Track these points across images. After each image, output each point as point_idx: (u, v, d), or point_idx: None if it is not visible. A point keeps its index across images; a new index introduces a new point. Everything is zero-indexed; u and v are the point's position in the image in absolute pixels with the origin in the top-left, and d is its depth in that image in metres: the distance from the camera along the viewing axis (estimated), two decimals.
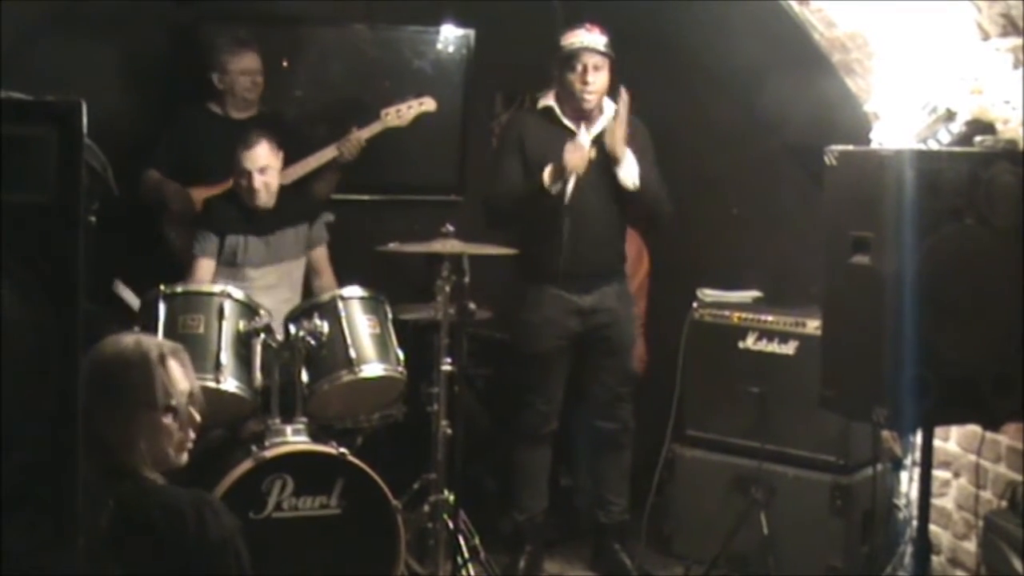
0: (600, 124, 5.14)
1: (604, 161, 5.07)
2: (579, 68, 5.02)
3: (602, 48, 5.02)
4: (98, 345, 2.91)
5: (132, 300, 4.81)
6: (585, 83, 5.02)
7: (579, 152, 4.92)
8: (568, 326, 5.16)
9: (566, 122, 5.10)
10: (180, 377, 2.94)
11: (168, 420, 2.89)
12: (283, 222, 5.17)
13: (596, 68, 5.02)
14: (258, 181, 5.01)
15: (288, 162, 5.32)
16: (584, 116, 5.08)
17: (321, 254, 5.32)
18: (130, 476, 2.84)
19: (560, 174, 4.93)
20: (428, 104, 5.64)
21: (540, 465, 5.32)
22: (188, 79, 5.77)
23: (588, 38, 5.03)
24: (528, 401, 5.23)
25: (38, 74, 5.10)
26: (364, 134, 5.51)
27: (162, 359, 2.90)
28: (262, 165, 5.02)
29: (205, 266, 5.03)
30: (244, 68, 5.50)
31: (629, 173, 5.07)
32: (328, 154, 5.49)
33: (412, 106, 5.60)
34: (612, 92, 5.08)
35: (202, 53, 5.73)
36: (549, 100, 5.18)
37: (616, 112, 5.01)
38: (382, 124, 5.54)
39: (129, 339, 2.96)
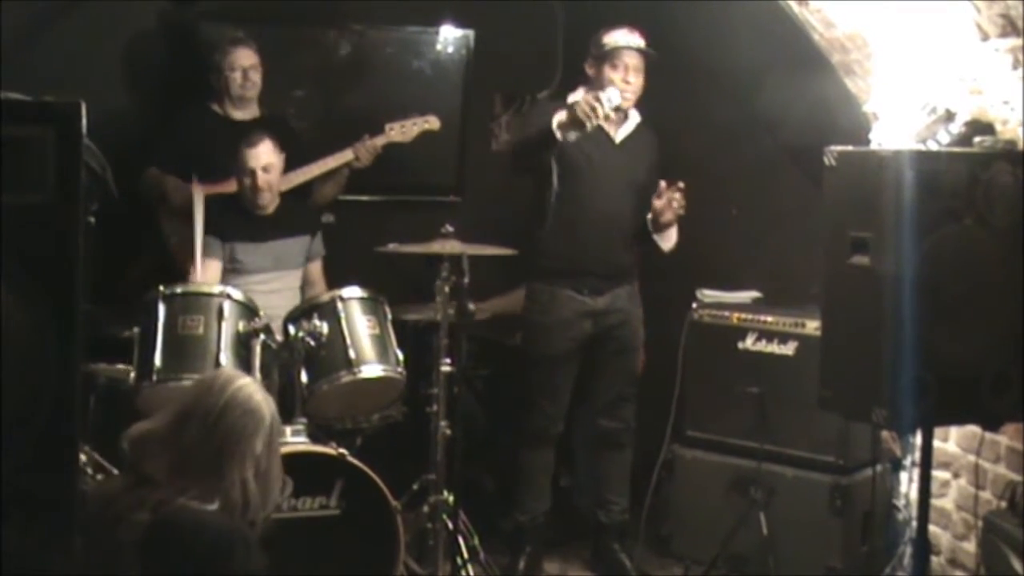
0: (628, 127, 5.21)
1: (623, 164, 5.10)
2: (621, 67, 5.05)
3: (644, 48, 5.07)
4: (246, 383, 3.12)
5: None
6: (627, 83, 5.05)
7: (601, 99, 4.83)
8: (581, 328, 5.16)
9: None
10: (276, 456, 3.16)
11: (234, 473, 3.00)
12: (285, 231, 5.17)
13: (637, 70, 5.08)
14: (262, 180, 5.03)
15: (292, 167, 5.32)
16: (615, 115, 5.11)
17: (317, 267, 5.34)
18: (177, 491, 2.91)
19: (572, 122, 4.81)
20: (432, 123, 5.65)
21: (544, 466, 5.32)
22: (187, 79, 5.77)
23: (631, 38, 5.07)
24: (536, 403, 5.22)
25: (36, 74, 5.10)
26: (379, 141, 5.52)
27: (275, 431, 3.15)
28: (265, 163, 5.03)
29: (213, 267, 5.03)
30: (234, 64, 5.48)
31: (668, 241, 5.23)
32: (343, 157, 5.50)
33: (417, 123, 5.62)
34: (642, 97, 5.15)
35: (201, 52, 5.73)
36: (580, 95, 5.18)
37: (681, 192, 5.06)
38: (386, 138, 5.55)
39: (266, 404, 3.13)
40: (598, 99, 4.79)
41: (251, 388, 3.11)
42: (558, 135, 4.84)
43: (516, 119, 5.15)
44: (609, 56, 5.06)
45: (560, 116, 4.85)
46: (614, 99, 4.83)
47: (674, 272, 5.62)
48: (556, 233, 5.11)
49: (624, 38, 5.07)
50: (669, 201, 5.06)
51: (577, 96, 5.15)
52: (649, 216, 5.15)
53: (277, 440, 3.15)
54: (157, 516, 2.84)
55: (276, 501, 3.21)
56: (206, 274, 4.98)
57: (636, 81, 5.08)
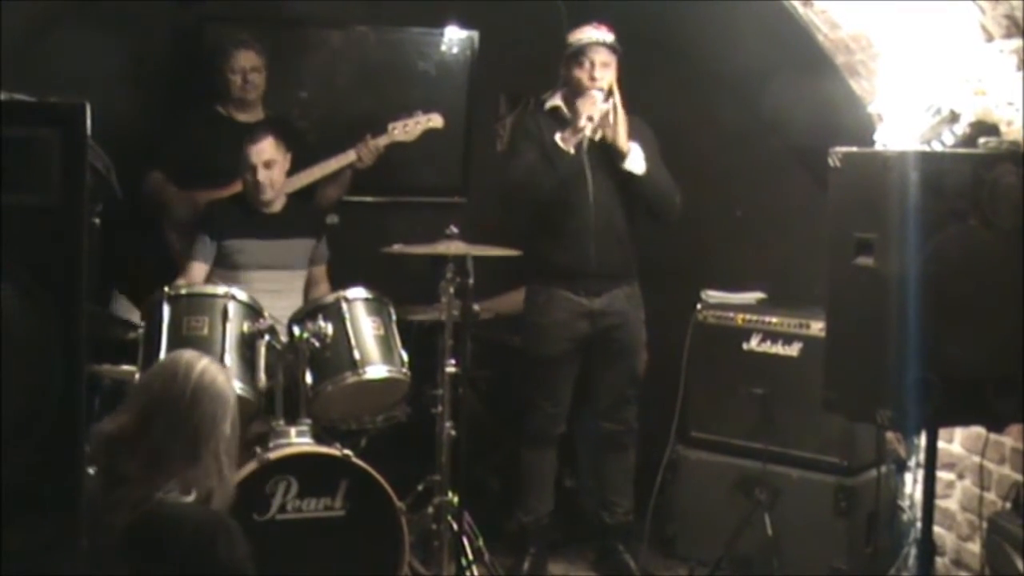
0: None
1: (608, 161, 5.07)
2: (587, 64, 5.01)
3: (610, 42, 5.02)
4: (206, 365, 3.09)
5: (131, 314, 4.81)
6: (593, 79, 5.00)
7: (591, 99, 4.91)
8: (577, 329, 5.15)
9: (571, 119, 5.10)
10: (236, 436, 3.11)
11: (210, 459, 2.99)
12: (290, 231, 5.17)
13: (604, 65, 5.01)
14: (263, 175, 5.01)
15: (296, 169, 5.32)
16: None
17: (321, 270, 5.33)
18: (155, 487, 2.90)
19: (575, 130, 4.89)
20: (436, 121, 5.62)
21: (547, 467, 5.32)
22: (192, 80, 5.78)
23: (596, 34, 5.02)
24: (536, 404, 5.22)
25: (41, 75, 5.10)
26: (381, 141, 5.51)
27: (237, 413, 3.10)
28: (267, 159, 5.02)
29: (197, 270, 5.02)
30: (234, 66, 5.48)
31: (635, 162, 5.06)
32: (346, 159, 5.48)
33: (420, 122, 5.59)
34: (635, 94, 5.11)
35: (206, 54, 5.73)
36: (556, 100, 5.17)
37: (612, 105, 5.00)
38: (389, 138, 5.52)
39: (229, 385, 3.10)
40: (593, 103, 4.86)
41: (213, 371, 3.08)
42: (565, 147, 4.88)
43: (510, 161, 5.14)
44: (575, 55, 5.04)
45: (562, 134, 4.92)
46: (599, 101, 4.86)
47: (678, 273, 5.63)
48: (553, 234, 5.11)
49: (588, 34, 5.03)
50: (609, 118, 5.01)
51: (556, 100, 5.15)
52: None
53: (238, 420, 3.12)
54: (137, 515, 2.83)
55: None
56: (191, 276, 4.98)
57: (603, 76, 5.01)
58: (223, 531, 2.89)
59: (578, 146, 4.95)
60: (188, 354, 3.18)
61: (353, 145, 5.49)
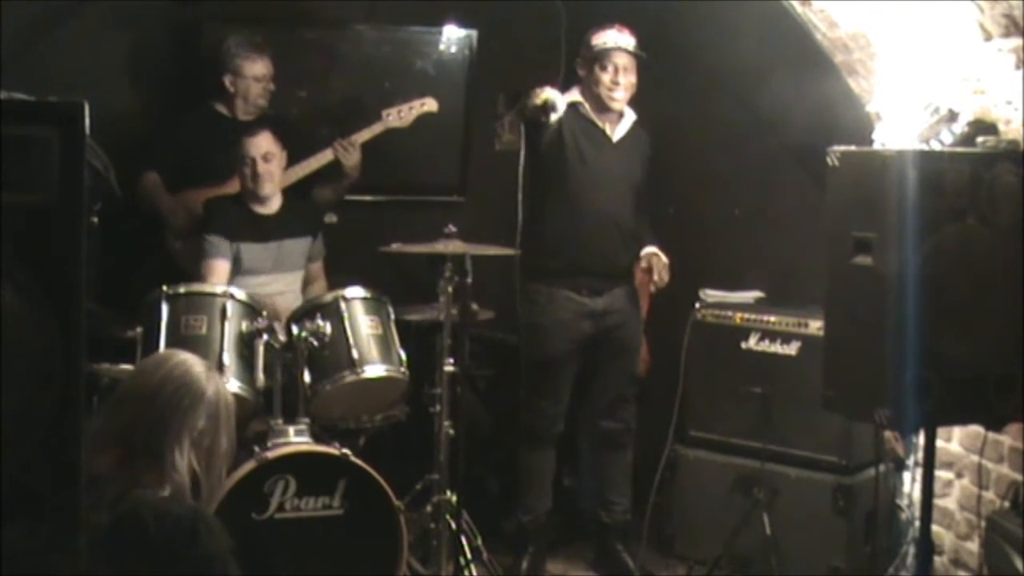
0: (624, 126, 5.19)
1: (621, 163, 5.10)
2: (610, 68, 5.07)
3: (633, 49, 5.07)
4: (184, 359, 3.04)
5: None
6: (616, 83, 5.07)
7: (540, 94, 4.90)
8: (580, 329, 5.16)
9: (594, 118, 5.15)
10: (223, 432, 3.05)
11: (193, 456, 2.96)
12: (288, 232, 5.16)
13: (626, 70, 5.09)
14: (262, 167, 5.01)
15: (290, 164, 5.31)
16: (609, 114, 5.15)
17: (318, 266, 5.33)
18: (128, 483, 2.87)
19: (538, 109, 4.88)
20: (430, 104, 5.61)
21: (546, 466, 5.32)
22: (191, 79, 5.77)
23: (620, 38, 5.08)
24: (536, 404, 5.22)
25: (40, 74, 5.10)
26: (361, 136, 5.48)
27: (222, 406, 3.04)
28: (265, 152, 5.02)
29: (220, 267, 4.97)
30: (258, 74, 5.47)
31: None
32: (324, 157, 5.47)
33: (413, 107, 5.58)
34: (635, 95, 5.16)
35: (205, 53, 5.72)
36: (575, 95, 5.18)
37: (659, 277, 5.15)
38: (383, 125, 5.52)
39: (207, 378, 3.05)
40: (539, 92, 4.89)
41: (188, 364, 3.03)
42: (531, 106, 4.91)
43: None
44: (599, 57, 5.08)
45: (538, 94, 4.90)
46: (560, 106, 4.88)
47: (677, 272, 5.62)
48: (554, 233, 5.11)
49: (613, 38, 5.08)
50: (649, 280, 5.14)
51: (574, 95, 5.16)
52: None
53: (226, 417, 3.05)
54: (115, 514, 2.81)
55: (222, 479, 3.12)
56: (215, 276, 4.93)
57: (626, 80, 5.10)
58: (204, 524, 2.86)
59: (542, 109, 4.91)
60: (172, 350, 3.14)
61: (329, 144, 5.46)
